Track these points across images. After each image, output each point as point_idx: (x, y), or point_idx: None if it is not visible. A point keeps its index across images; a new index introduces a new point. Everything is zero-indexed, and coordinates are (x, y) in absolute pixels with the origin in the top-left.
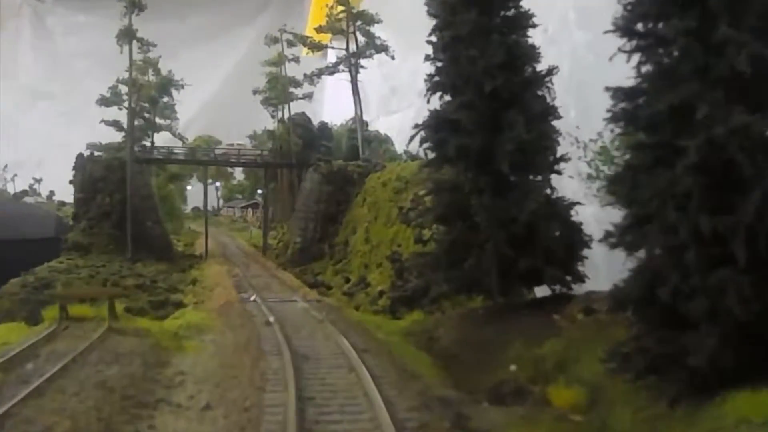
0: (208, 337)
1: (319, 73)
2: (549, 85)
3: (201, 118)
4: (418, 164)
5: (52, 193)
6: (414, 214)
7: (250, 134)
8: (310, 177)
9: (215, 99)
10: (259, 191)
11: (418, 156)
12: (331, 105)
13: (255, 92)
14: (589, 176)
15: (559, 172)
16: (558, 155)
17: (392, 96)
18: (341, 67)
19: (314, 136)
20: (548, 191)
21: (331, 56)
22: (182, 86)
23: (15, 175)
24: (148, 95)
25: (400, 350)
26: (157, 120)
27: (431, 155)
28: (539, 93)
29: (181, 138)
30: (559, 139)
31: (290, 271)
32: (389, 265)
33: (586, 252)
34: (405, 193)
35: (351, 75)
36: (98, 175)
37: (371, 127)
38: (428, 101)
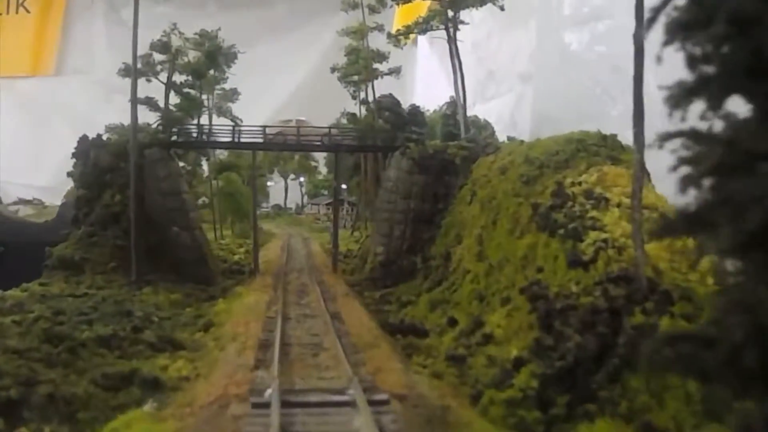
0: None
1: (407, 31)
2: None
3: (290, 106)
4: (558, 138)
5: None
6: (562, 217)
7: (332, 123)
8: (396, 164)
9: (304, 87)
10: (343, 186)
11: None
12: (422, 88)
13: (333, 70)
14: None
15: None
16: None
17: (489, 81)
18: (435, 23)
19: (404, 121)
20: None
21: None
22: (234, 55)
23: None
24: (193, 65)
25: None
26: (207, 97)
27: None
28: None
29: (233, 120)
30: None
31: (367, 296)
32: (526, 304)
33: None
34: (540, 182)
35: (448, 33)
36: (105, 164)
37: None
38: None
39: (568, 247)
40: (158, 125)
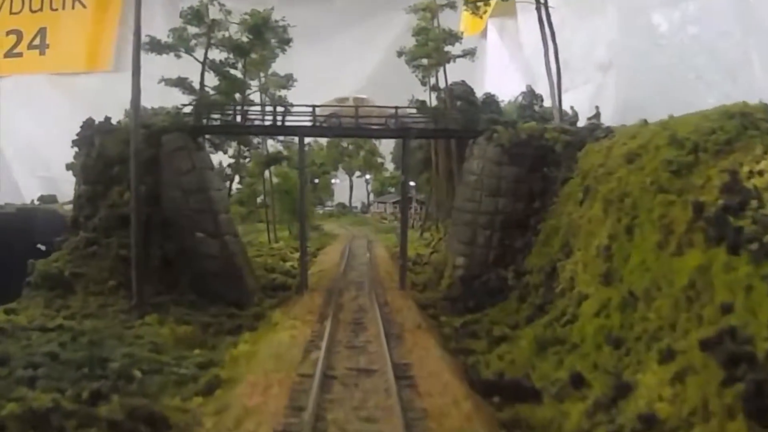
0: None
1: None
2: None
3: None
4: (709, 113)
5: None
6: (750, 224)
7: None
8: (479, 153)
9: (375, 79)
10: (412, 183)
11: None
12: (491, 81)
13: (400, 54)
14: None
15: None
16: None
17: (563, 72)
18: None
19: (478, 111)
20: None
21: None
22: (285, 30)
23: None
24: (235, 41)
25: None
26: (258, 80)
27: None
28: None
29: (282, 103)
30: None
31: (444, 324)
32: (711, 366)
33: None
34: (697, 172)
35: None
36: (114, 154)
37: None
38: None
39: None
40: (184, 107)
